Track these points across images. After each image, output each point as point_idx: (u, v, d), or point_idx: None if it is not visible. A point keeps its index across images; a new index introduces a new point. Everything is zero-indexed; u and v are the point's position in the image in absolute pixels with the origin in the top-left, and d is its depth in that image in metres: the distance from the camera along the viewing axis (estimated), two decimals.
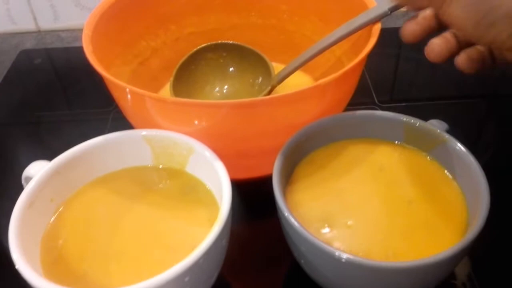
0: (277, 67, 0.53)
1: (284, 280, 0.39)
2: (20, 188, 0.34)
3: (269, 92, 0.46)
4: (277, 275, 0.40)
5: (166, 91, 0.52)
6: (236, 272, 0.40)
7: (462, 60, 0.34)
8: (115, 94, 0.40)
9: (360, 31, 0.40)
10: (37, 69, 0.66)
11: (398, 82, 0.60)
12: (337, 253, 0.29)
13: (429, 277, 0.30)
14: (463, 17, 0.29)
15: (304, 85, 0.49)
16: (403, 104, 0.55)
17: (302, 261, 0.34)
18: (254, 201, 0.45)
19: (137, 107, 0.39)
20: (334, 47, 0.45)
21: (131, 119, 0.41)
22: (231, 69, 0.50)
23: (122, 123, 0.42)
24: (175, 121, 0.37)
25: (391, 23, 0.68)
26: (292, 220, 0.31)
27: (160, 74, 0.52)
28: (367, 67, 0.58)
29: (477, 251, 0.38)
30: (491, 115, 0.55)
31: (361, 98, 0.54)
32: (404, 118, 0.37)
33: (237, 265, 0.40)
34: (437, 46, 0.34)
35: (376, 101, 0.55)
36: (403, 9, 0.36)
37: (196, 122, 0.36)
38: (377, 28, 0.39)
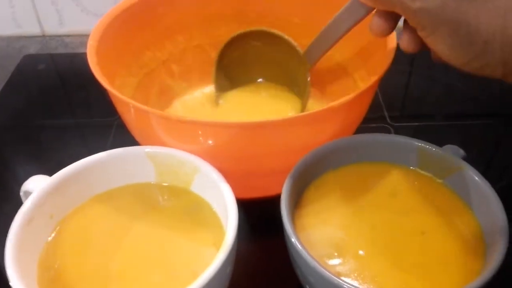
0: None
1: None
2: (18, 198, 0.33)
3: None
4: None
5: (173, 107, 0.51)
6: None
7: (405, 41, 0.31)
8: (119, 108, 0.39)
9: (375, 50, 0.38)
10: (40, 74, 0.65)
11: (410, 99, 0.59)
12: (346, 286, 0.28)
13: None
14: (450, 54, 0.28)
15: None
16: (415, 123, 0.54)
17: (307, 287, 0.33)
18: (260, 221, 0.43)
19: (141, 123, 0.37)
20: (347, 65, 0.43)
21: (135, 134, 0.40)
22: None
23: (126, 132, 0.41)
24: (180, 139, 0.36)
25: None
26: (300, 247, 0.30)
27: (167, 86, 0.51)
28: (379, 84, 0.57)
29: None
30: (507, 135, 0.53)
31: (372, 115, 0.53)
32: (419, 143, 0.36)
33: (240, 287, 0.39)
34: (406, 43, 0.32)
35: (387, 118, 0.54)
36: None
37: (202, 141, 0.35)
38: (391, 49, 0.38)
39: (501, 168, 0.48)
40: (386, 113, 0.55)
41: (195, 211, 0.36)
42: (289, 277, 0.36)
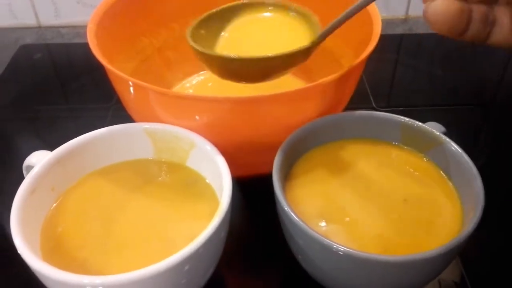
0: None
1: (281, 276, 0.40)
2: (19, 181, 0.34)
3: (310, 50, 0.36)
4: (274, 271, 0.40)
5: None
6: (233, 267, 0.40)
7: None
8: (118, 87, 0.40)
9: (361, 36, 0.40)
10: (36, 64, 0.66)
11: (396, 87, 0.61)
12: (335, 246, 0.30)
13: (422, 272, 0.31)
14: None
15: None
16: (400, 109, 0.56)
17: (300, 256, 0.34)
18: (254, 198, 0.45)
19: (139, 101, 0.39)
20: (335, 50, 0.45)
21: (133, 113, 0.42)
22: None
23: (121, 120, 0.42)
24: (177, 115, 0.37)
25: (390, 30, 0.69)
26: (291, 213, 0.32)
27: (162, 73, 0.52)
28: (366, 72, 0.58)
29: (470, 251, 0.39)
30: (487, 122, 0.56)
31: (359, 103, 0.55)
32: (402, 119, 0.38)
33: (235, 260, 0.40)
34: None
35: (374, 106, 0.56)
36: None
37: (197, 116, 0.37)
38: (377, 32, 0.40)
39: (480, 150, 0.51)
40: (372, 101, 0.57)
41: (191, 185, 0.37)
42: (281, 251, 0.37)
